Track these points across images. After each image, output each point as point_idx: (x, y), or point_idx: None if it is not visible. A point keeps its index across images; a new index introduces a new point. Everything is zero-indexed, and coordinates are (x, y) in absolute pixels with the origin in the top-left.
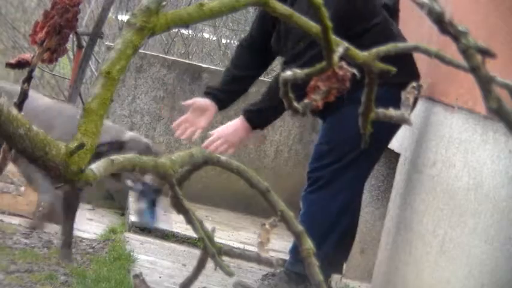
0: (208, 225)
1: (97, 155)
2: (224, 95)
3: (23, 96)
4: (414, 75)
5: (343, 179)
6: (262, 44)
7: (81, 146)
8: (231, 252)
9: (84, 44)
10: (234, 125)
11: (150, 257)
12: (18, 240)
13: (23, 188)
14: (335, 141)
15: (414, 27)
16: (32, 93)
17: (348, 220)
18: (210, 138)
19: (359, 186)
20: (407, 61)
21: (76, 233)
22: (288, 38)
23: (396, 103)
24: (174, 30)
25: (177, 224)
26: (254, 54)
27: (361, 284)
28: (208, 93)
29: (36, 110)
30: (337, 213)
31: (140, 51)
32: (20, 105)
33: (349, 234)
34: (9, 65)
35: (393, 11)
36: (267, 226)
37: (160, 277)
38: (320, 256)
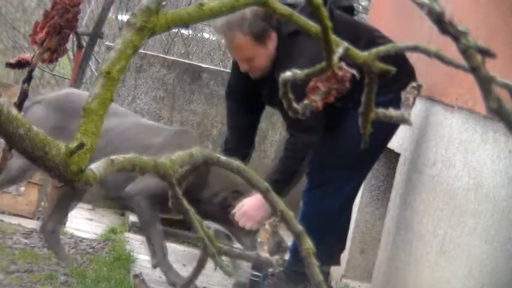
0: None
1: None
2: (240, 152)
3: (23, 96)
4: (411, 76)
5: (343, 178)
6: (248, 93)
7: (81, 146)
8: (231, 252)
9: (84, 44)
10: (260, 201)
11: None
12: (18, 240)
13: (23, 188)
14: (336, 142)
15: (414, 28)
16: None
17: (346, 217)
18: (238, 213)
19: (358, 185)
20: (404, 64)
21: (76, 233)
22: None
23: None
24: (174, 30)
25: (177, 224)
26: (245, 105)
27: (361, 284)
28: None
29: (126, 129)
30: (337, 212)
31: (140, 51)
32: (20, 105)
33: (346, 230)
34: (9, 65)
35: (352, 11)
36: (267, 226)
37: (160, 277)
38: (320, 254)
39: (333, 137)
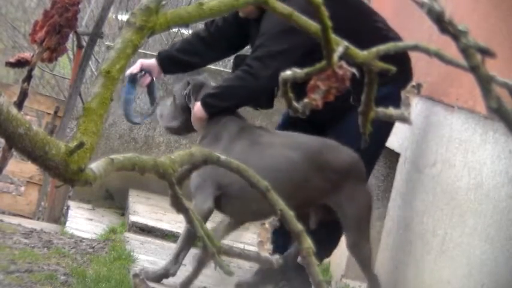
0: (208, 225)
1: None
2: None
3: (23, 95)
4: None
5: None
6: (227, 31)
7: (80, 145)
8: (230, 252)
9: (84, 43)
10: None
11: (150, 257)
12: (18, 240)
13: (23, 188)
14: (353, 140)
15: (414, 27)
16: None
17: None
18: None
19: None
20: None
21: (76, 233)
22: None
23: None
24: (174, 30)
25: (177, 224)
26: (211, 48)
27: (361, 284)
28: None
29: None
30: None
31: (140, 51)
32: (20, 104)
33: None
34: (9, 64)
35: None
36: (267, 226)
37: None
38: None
39: (337, 136)
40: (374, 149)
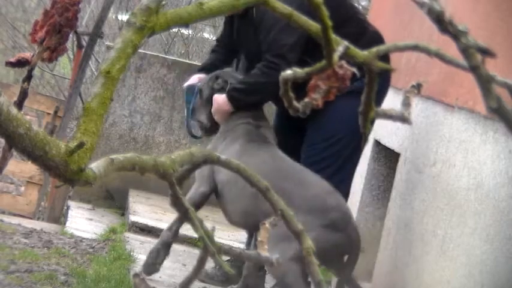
0: (208, 225)
1: None
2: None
3: (23, 95)
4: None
5: (342, 174)
6: (230, 40)
7: (80, 145)
8: (230, 251)
9: (84, 43)
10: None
11: None
12: (18, 240)
13: (23, 188)
14: (331, 132)
15: (415, 28)
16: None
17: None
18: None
19: (353, 176)
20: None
21: (76, 233)
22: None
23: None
24: (174, 30)
25: None
26: (227, 48)
27: (361, 284)
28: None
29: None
30: None
31: (140, 51)
32: (20, 104)
33: None
34: (9, 64)
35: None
36: (267, 225)
37: (160, 277)
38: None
39: (329, 127)
40: (351, 139)
